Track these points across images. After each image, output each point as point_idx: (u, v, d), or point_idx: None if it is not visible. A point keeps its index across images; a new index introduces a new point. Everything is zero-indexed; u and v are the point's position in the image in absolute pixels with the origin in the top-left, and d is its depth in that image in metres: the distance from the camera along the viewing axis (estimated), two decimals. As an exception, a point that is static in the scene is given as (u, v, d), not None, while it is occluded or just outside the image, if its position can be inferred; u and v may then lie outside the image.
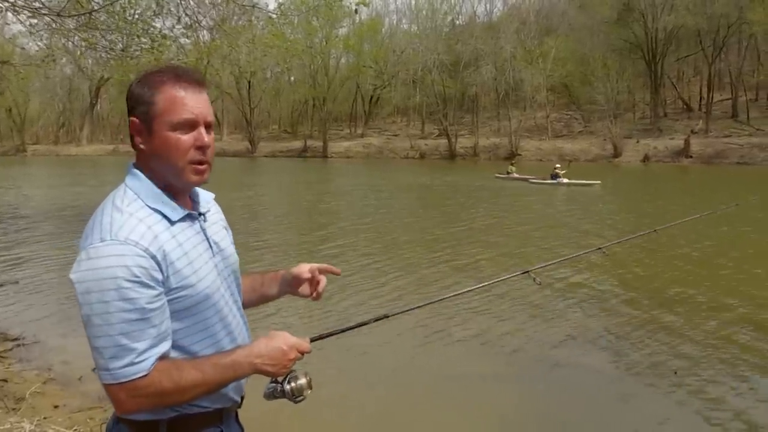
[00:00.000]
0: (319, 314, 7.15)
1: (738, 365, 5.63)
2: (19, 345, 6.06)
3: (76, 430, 4.09)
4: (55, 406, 4.55)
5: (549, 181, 25.53)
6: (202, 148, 1.47)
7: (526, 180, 27.44)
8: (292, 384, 1.52)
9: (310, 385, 1.54)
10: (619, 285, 8.50)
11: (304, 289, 1.83)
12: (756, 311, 7.20)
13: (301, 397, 1.54)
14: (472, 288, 2.47)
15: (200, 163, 1.48)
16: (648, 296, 7.92)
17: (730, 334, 6.43)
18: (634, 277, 8.99)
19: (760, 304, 7.47)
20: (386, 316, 1.93)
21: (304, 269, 1.81)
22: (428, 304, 2.24)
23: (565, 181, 25.03)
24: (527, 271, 2.41)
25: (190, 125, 1.46)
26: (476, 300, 7.33)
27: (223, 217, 1.74)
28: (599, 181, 24.48)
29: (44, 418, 4.25)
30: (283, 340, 1.50)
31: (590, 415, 4.81)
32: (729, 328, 6.61)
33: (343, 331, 1.81)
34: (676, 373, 5.41)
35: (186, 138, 1.46)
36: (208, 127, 1.50)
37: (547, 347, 6.15)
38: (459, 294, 2.39)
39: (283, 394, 1.53)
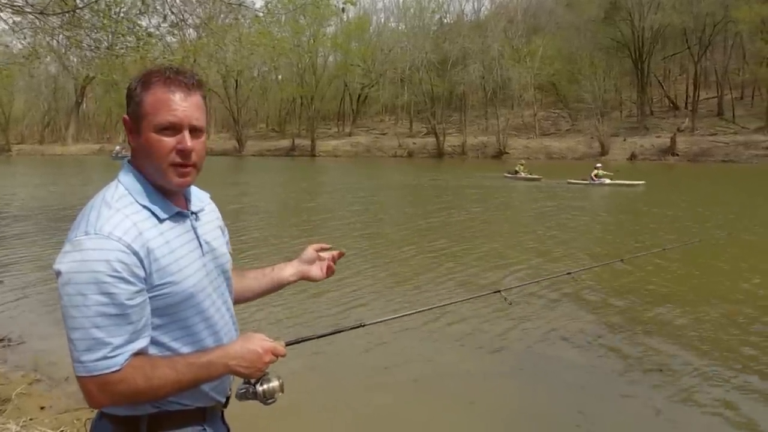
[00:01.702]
0: (297, 316, 7.14)
1: (727, 365, 5.69)
2: (4, 346, 6.01)
3: (62, 431, 4.05)
4: (42, 407, 4.51)
5: (589, 182, 24.38)
6: (183, 151, 1.46)
7: (536, 180, 26.67)
8: (265, 386, 1.53)
9: (282, 388, 1.55)
10: (610, 291, 8.56)
11: (315, 271, 1.93)
12: (744, 310, 7.28)
13: (272, 400, 1.55)
14: (446, 304, 2.55)
15: (182, 166, 1.47)
16: (639, 301, 7.98)
17: (717, 334, 6.49)
18: (622, 284, 9.05)
19: (743, 302, 7.55)
20: (362, 325, 1.96)
21: (310, 250, 1.94)
22: (403, 316, 2.28)
23: (608, 181, 23.96)
24: (499, 291, 2.45)
25: (174, 128, 1.45)
26: (453, 311, 7.23)
27: (218, 216, 1.74)
28: (643, 182, 23.62)
29: (30, 419, 4.21)
30: (259, 343, 1.51)
31: (573, 412, 4.84)
32: (716, 329, 6.68)
33: (319, 337, 1.84)
34: (661, 371, 5.46)
35: (168, 140, 1.45)
36: (194, 131, 1.49)
37: (527, 353, 6.16)
38: (432, 308, 2.45)
39: (255, 395, 1.54)
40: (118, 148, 59.00)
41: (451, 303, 2.71)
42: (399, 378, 5.54)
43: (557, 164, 39.68)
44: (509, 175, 28.52)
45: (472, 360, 5.96)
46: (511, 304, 2.52)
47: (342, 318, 7.06)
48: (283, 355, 1.56)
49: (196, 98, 1.50)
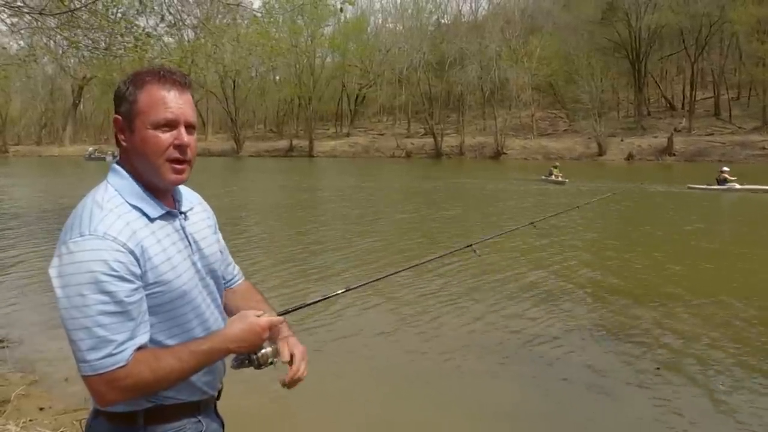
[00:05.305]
0: (290, 287, 7.62)
1: (721, 358, 5.70)
2: (2, 347, 5.99)
3: (62, 431, 4.05)
4: (41, 408, 4.50)
5: (715, 187, 21.46)
6: (181, 147, 1.50)
7: (560, 183, 25.17)
8: (258, 353, 1.57)
9: (275, 354, 1.61)
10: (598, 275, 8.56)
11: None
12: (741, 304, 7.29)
13: (266, 365, 1.60)
14: (424, 261, 2.75)
15: (179, 162, 1.50)
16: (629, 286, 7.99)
17: (711, 325, 6.50)
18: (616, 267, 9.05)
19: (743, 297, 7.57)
20: (348, 289, 2.04)
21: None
22: (385, 276, 2.37)
23: (737, 186, 21.06)
24: (470, 245, 2.61)
25: (170, 125, 1.49)
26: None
27: (210, 215, 1.75)
28: None
29: (30, 420, 4.21)
30: (255, 322, 1.53)
31: (549, 400, 4.85)
32: (710, 320, 6.69)
33: (308, 305, 1.91)
34: (658, 369, 5.44)
35: (165, 137, 1.48)
36: (189, 127, 1.52)
37: (510, 326, 6.32)
38: (411, 267, 2.57)
39: (249, 362, 1.58)
40: (91, 149, 59.84)
41: (429, 260, 2.71)
42: (381, 348, 5.72)
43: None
44: (545, 178, 27.02)
45: (454, 317, 6.33)
46: (479, 255, 2.75)
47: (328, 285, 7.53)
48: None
49: (188, 96, 1.54)
